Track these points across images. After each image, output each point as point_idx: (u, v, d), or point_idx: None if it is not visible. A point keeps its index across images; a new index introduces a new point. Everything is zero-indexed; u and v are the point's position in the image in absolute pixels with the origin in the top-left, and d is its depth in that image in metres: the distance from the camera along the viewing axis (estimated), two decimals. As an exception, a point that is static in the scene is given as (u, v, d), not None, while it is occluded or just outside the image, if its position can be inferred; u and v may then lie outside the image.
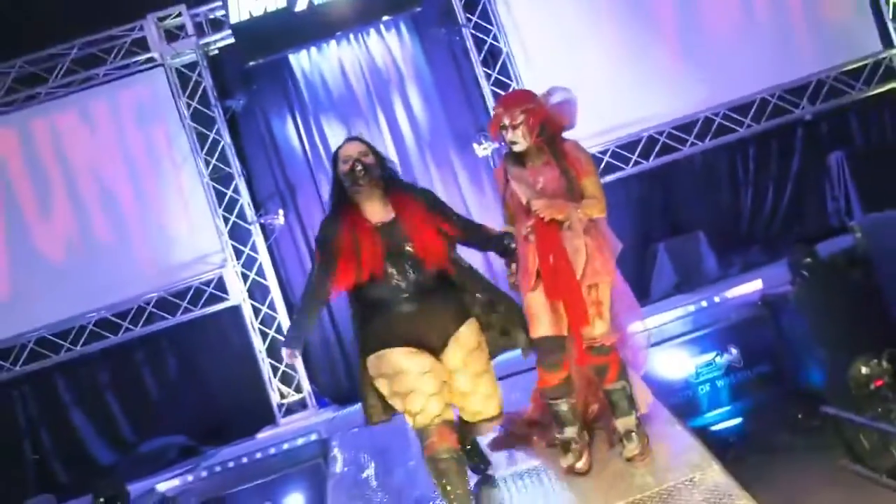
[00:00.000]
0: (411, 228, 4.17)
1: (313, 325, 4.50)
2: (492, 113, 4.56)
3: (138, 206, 8.66)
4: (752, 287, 7.29)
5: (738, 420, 6.68)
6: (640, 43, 8.81)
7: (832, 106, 9.01)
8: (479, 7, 8.72)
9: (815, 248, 6.36)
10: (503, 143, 4.42)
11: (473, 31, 8.72)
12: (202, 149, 8.61)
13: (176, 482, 7.30)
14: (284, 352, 4.32)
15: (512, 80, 8.65)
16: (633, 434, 4.31)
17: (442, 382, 4.06)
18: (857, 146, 9.02)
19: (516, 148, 4.33)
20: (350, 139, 4.41)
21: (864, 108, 9.15)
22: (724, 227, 8.95)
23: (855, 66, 8.99)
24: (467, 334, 4.20)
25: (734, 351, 6.77)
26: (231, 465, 7.39)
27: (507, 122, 4.28)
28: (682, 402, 6.63)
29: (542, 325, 4.26)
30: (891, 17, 9.06)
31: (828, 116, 9.11)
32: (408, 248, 4.14)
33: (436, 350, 4.13)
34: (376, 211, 4.24)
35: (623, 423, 4.35)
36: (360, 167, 4.17)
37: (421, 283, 4.15)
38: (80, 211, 8.64)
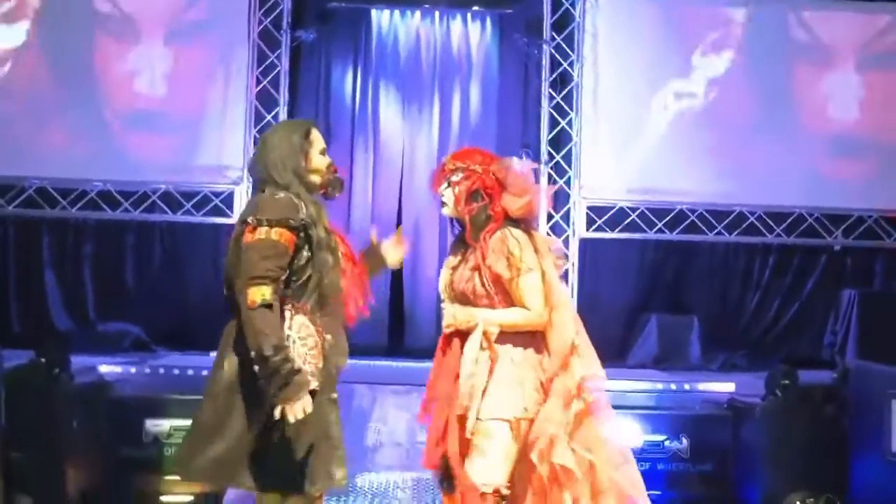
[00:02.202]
0: None
1: None
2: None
3: (179, 98, 8.66)
4: (724, 387, 7.33)
5: (664, 508, 6.70)
6: (704, 121, 8.82)
7: (863, 245, 9.04)
8: (567, 31, 8.72)
9: (797, 372, 6.38)
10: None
11: (553, 51, 8.72)
12: (258, 67, 8.62)
13: (118, 369, 7.27)
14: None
15: (572, 111, 8.67)
16: None
17: None
18: (872, 291, 9.04)
19: (443, 211, 3.65)
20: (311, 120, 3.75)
21: (893, 258, 9.19)
22: (720, 322, 8.99)
23: (897, 215, 9.04)
24: None
25: (685, 441, 6.76)
26: (176, 371, 7.41)
27: (442, 177, 3.59)
28: (619, 470, 6.65)
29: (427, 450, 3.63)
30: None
31: (855, 253, 9.16)
32: None
33: None
34: None
35: None
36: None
37: None
38: (123, 79, 8.64)
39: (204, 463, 3.21)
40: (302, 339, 3.15)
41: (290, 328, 3.14)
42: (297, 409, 3.01)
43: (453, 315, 3.50)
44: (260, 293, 3.01)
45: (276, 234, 3.09)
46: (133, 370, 7.35)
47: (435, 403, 3.57)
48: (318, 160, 3.38)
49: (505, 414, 3.40)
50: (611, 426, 3.61)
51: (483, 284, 3.47)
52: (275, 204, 3.16)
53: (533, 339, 3.51)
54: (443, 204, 3.61)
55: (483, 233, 3.49)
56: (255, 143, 8.54)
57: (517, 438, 3.42)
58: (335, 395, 3.29)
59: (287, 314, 3.15)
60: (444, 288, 3.66)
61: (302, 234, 3.18)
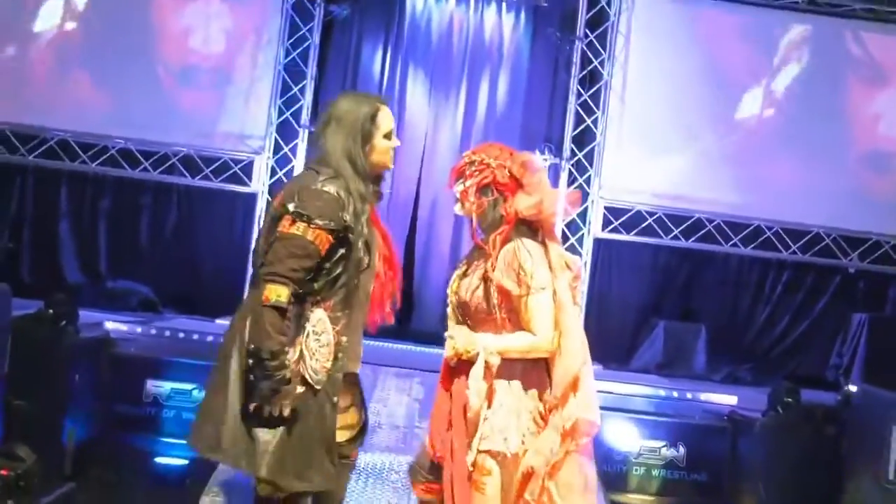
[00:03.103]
0: None
1: None
2: None
3: (209, 63, 8.69)
4: (726, 399, 7.38)
5: (655, 513, 6.73)
6: (730, 132, 8.83)
7: (878, 270, 9.01)
8: (601, 29, 8.72)
9: (800, 391, 6.38)
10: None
11: (585, 48, 8.71)
12: (289, 38, 8.62)
13: (124, 327, 7.36)
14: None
15: (598, 110, 8.67)
16: None
17: None
18: (883, 316, 8.99)
19: (455, 209, 3.38)
20: (386, 100, 3.51)
21: (905, 285, 9.15)
22: (728, 334, 8.96)
23: (915, 243, 9.00)
24: None
25: (682, 449, 6.78)
26: (181, 335, 7.50)
27: (458, 175, 3.33)
28: (613, 472, 6.66)
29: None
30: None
31: (869, 277, 9.11)
32: None
33: None
34: None
35: None
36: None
37: None
38: (152, 40, 8.67)
39: (206, 435, 3.20)
40: (317, 334, 3.12)
41: (308, 321, 3.12)
42: (275, 410, 3.03)
43: (453, 345, 3.23)
44: (276, 293, 2.99)
45: (313, 234, 3.04)
46: (139, 329, 7.43)
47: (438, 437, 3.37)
48: (382, 145, 3.28)
49: (499, 447, 3.20)
50: (591, 475, 3.33)
51: (487, 298, 3.23)
52: (320, 200, 3.08)
53: (535, 366, 3.29)
54: (456, 200, 3.35)
55: (494, 235, 3.25)
56: (279, 114, 8.59)
57: (509, 473, 3.22)
58: (337, 400, 3.20)
59: (307, 307, 3.12)
60: (451, 293, 3.43)
61: (341, 236, 3.11)
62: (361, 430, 3.56)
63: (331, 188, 3.11)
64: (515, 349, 3.22)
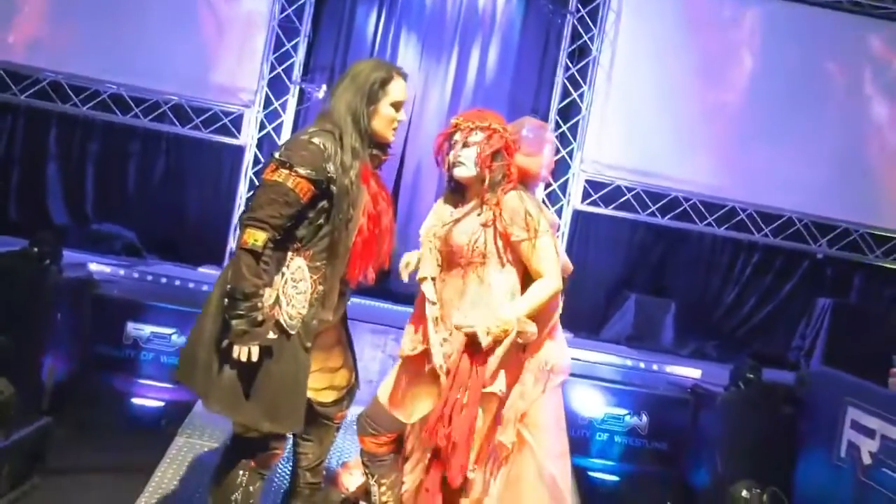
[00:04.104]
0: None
1: None
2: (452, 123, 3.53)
3: (203, 13, 8.70)
4: (691, 373, 7.59)
5: (615, 478, 6.89)
6: (712, 114, 8.97)
7: (845, 257, 9.24)
8: (593, 5, 8.84)
9: (762, 368, 6.54)
10: (444, 167, 3.54)
11: (576, 23, 8.84)
12: (285, -6, 8.69)
13: (107, 269, 7.43)
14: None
15: (585, 84, 8.81)
16: None
17: None
18: (847, 302, 9.21)
19: (458, 172, 3.45)
20: (404, 74, 3.48)
21: (871, 274, 9.38)
22: (697, 310, 9.16)
23: (883, 234, 9.21)
24: None
25: (645, 418, 6.94)
26: (164, 280, 7.59)
27: (458, 136, 3.43)
28: (577, 437, 6.79)
29: (388, 392, 3.60)
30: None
31: (837, 264, 9.33)
32: None
33: None
34: None
35: None
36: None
37: None
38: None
39: (184, 363, 3.33)
40: (294, 281, 3.23)
41: (287, 267, 3.22)
42: (244, 353, 3.12)
43: (487, 331, 3.24)
44: (253, 237, 3.10)
45: (294, 181, 3.12)
46: (122, 272, 7.50)
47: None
48: (386, 112, 3.35)
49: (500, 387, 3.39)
50: (561, 413, 3.57)
51: (494, 243, 3.39)
52: (305, 150, 3.17)
53: None
54: (458, 164, 3.43)
55: (499, 191, 3.41)
56: (271, 70, 8.65)
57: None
58: (310, 345, 3.29)
59: (288, 254, 3.23)
60: (432, 237, 3.53)
61: (323, 186, 3.19)
62: (349, 392, 3.68)
63: (318, 140, 3.20)
64: (539, 302, 3.34)
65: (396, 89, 3.36)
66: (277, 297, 3.21)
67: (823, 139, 9.03)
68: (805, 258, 9.30)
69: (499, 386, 3.36)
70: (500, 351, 3.28)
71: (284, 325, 3.21)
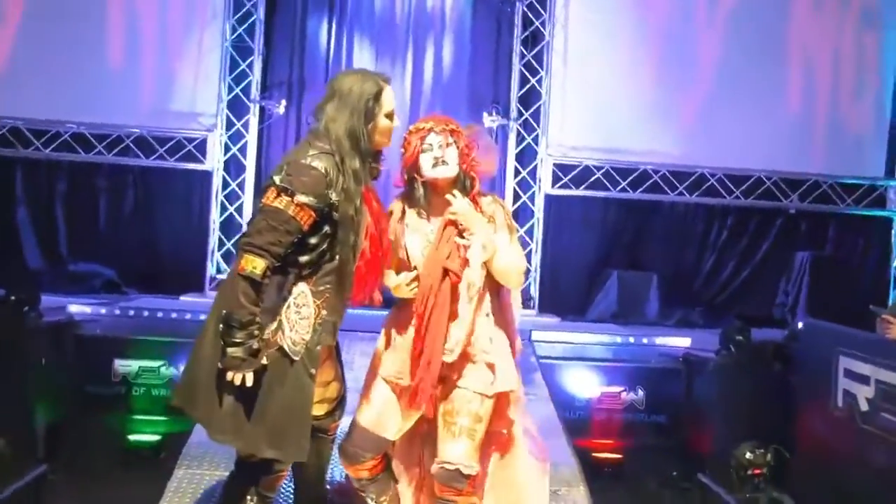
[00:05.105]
0: None
1: None
2: (414, 127, 3.43)
3: (156, 43, 8.68)
4: (680, 342, 7.63)
5: (619, 456, 6.93)
6: (671, 84, 9.02)
7: (817, 209, 9.34)
8: (542, -10, 8.86)
9: (750, 329, 6.59)
10: (411, 174, 3.42)
11: (526, 10, 8.88)
12: (234, 14, 8.64)
13: (88, 309, 7.39)
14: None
15: (542, 70, 8.85)
16: None
17: None
18: (823, 254, 9.33)
19: (441, 172, 3.35)
20: (389, 79, 3.38)
21: (844, 223, 9.50)
22: (678, 280, 9.23)
23: (852, 182, 9.31)
24: None
25: (641, 393, 6.99)
26: (146, 313, 7.55)
27: (434, 140, 3.35)
28: (576, 419, 6.84)
29: (368, 413, 3.49)
30: (901, 150, 9.38)
31: (810, 217, 9.44)
32: None
33: None
34: None
35: None
36: None
37: None
38: (99, 23, 8.62)
39: (185, 389, 3.25)
40: (297, 306, 3.13)
41: (289, 292, 3.13)
42: (237, 378, 3.05)
43: (453, 210, 3.31)
44: (252, 264, 2.99)
45: (295, 209, 3.02)
46: (103, 310, 7.46)
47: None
48: (383, 124, 3.27)
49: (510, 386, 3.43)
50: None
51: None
52: (307, 175, 3.05)
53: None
54: (441, 163, 3.35)
55: (472, 194, 3.39)
56: (229, 91, 8.63)
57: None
58: (314, 372, 3.20)
59: (290, 278, 3.13)
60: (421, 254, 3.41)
61: (325, 213, 3.09)
62: (340, 402, 3.66)
63: (320, 164, 3.08)
64: (515, 259, 3.40)
65: (388, 99, 3.28)
66: (280, 323, 3.13)
67: (780, 95, 9.12)
68: (778, 215, 9.38)
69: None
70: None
71: (288, 350, 3.14)
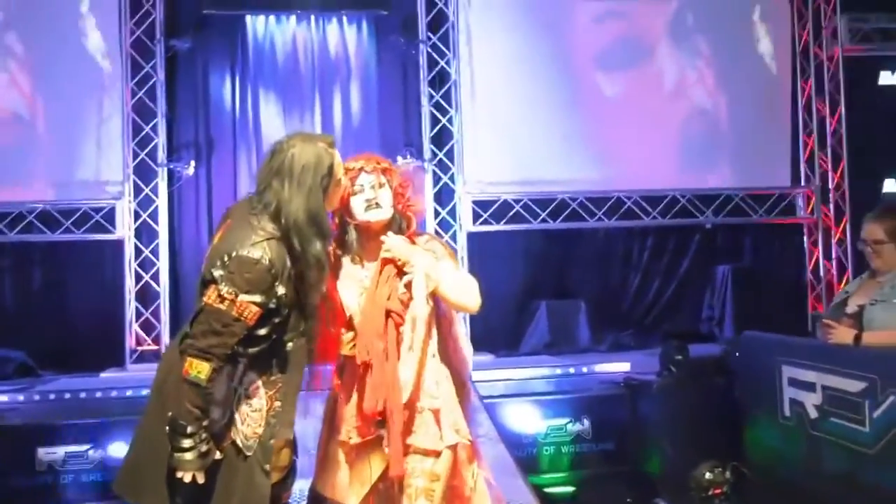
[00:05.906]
0: None
1: None
2: (343, 168, 3.13)
3: (53, 113, 8.41)
4: (619, 367, 7.65)
5: (572, 488, 6.89)
6: (579, 113, 9.13)
7: (732, 222, 9.53)
8: (443, 30, 8.88)
9: (688, 348, 6.63)
10: (343, 217, 3.25)
11: (430, 51, 8.88)
12: (132, 78, 8.44)
13: (5, 398, 7.08)
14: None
15: (451, 108, 8.85)
16: None
17: None
18: (743, 265, 9.53)
19: (375, 215, 3.18)
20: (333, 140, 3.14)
21: (759, 233, 9.74)
22: (606, 304, 9.30)
23: (762, 193, 9.54)
24: None
25: (586, 422, 6.98)
26: (67, 396, 7.22)
27: (366, 180, 3.18)
28: (525, 456, 6.78)
29: (328, 481, 3.32)
30: (804, 159, 9.65)
31: (725, 230, 9.65)
32: None
33: None
34: None
35: None
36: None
37: None
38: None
39: (131, 481, 3.07)
40: (248, 398, 2.98)
41: (240, 384, 2.97)
42: (187, 476, 2.90)
43: (387, 248, 3.15)
44: (197, 368, 2.83)
45: (238, 310, 2.84)
46: (20, 397, 7.14)
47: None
48: (336, 191, 3.08)
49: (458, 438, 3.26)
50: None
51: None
52: (249, 271, 2.83)
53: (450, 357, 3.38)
54: (374, 205, 3.18)
55: (408, 234, 3.25)
56: (134, 156, 8.39)
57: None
58: (268, 468, 3.00)
59: (240, 368, 2.96)
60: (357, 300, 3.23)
61: (272, 307, 2.89)
62: (291, 470, 3.50)
63: (265, 255, 2.85)
64: (465, 280, 3.24)
65: (339, 166, 3.09)
66: (231, 417, 2.97)
67: (680, 115, 9.33)
68: (696, 231, 9.56)
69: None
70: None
71: (241, 445, 2.97)
